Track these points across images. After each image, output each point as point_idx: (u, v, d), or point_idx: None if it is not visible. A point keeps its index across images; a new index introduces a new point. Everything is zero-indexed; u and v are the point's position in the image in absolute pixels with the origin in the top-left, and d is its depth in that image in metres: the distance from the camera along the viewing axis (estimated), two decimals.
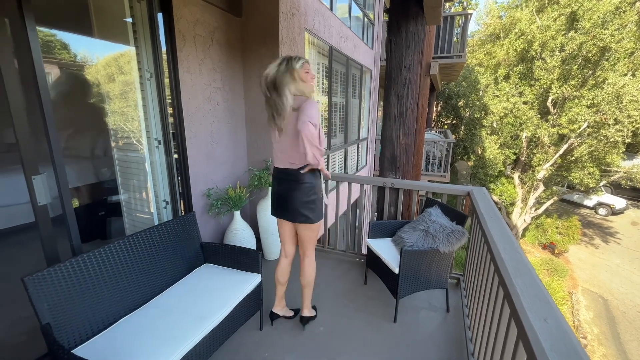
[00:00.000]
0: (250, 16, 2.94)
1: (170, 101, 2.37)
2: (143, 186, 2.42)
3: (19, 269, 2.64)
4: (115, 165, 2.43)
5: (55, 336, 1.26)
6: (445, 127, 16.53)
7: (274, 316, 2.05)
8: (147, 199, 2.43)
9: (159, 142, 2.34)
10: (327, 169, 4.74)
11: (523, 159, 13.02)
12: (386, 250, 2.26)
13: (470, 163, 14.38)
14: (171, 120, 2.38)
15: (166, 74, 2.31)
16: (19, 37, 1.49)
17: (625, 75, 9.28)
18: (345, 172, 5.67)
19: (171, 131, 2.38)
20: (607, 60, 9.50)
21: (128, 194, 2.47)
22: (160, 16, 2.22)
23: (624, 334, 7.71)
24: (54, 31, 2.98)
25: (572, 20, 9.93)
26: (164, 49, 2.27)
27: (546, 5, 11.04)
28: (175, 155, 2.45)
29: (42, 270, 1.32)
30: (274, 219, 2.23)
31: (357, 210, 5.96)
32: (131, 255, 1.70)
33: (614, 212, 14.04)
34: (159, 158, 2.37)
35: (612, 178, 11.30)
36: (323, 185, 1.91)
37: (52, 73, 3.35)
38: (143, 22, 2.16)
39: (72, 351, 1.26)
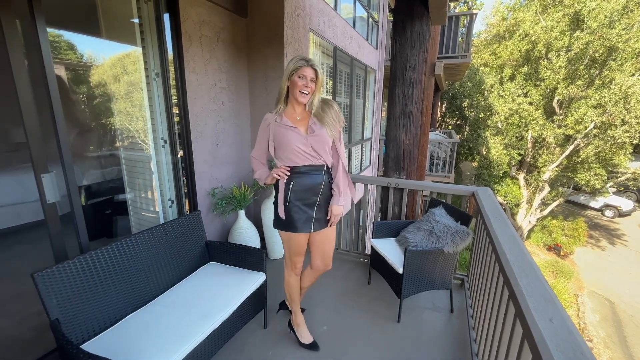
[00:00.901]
0: (256, 16, 2.95)
1: (176, 101, 2.39)
2: (149, 185, 2.45)
3: (28, 266, 2.68)
4: (122, 165, 2.46)
5: (64, 332, 1.28)
6: (450, 127, 16.45)
7: (282, 306, 2.05)
8: (152, 198, 2.46)
9: (165, 142, 2.37)
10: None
11: (528, 159, 12.92)
12: (390, 250, 2.26)
13: (475, 164, 14.30)
14: (177, 119, 2.41)
15: (172, 74, 2.33)
16: (29, 37, 1.52)
17: (633, 75, 9.16)
18: (348, 172, 5.66)
19: (177, 131, 2.40)
20: (614, 60, 9.38)
21: (134, 193, 2.50)
22: (166, 17, 2.24)
23: (630, 338, 7.62)
24: (63, 32, 3.02)
25: (577, 21, 9.83)
26: (170, 50, 2.29)
27: (549, 5, 10.94)
28: (181, 153, 2.47)
29: (50, 266, 1.34)
30: None
31: (361, 210, 5.96)
32: (137, 253, 1.72)
33: (621, 214, 13.86)
34: (165, 157, 2.39)
35: (619, 179, 11.17)
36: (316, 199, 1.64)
37: (61, 73, 3.41)
38: (150, 22, 2.18)
39: (80, 347, 1.28)
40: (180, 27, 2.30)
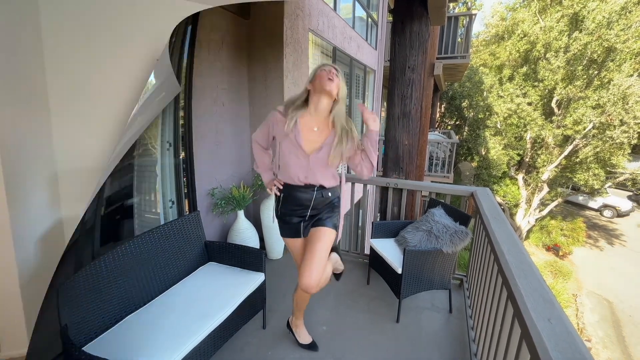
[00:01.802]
0: (257, 17, 2.96)
1: (182, 104, 2.37)
2: (153, 188, 2.43)
3: None
4: (134, 172, 2.42)
5: (69, 336, 1.27)
6: (449, 127, 16.46)
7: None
8: (155, 200, 2.45)
9: (170, 145, 2.36)
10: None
11: (527, 160, 12.93)
12: (389, 251, 2.27)
13: (474, 164, 14.32)
14: (181, 122, 2.39)
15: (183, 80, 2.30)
16: None
17: (632, 75, 9.19)
18: (348, 172, 5.67)
19: (181, 133, 2.39)
20: (612, 60, 9.41)
21: (140, 197, 2.48)
22: (189, 29, 2.21)
23: (629, 338, 7.64)
24: None
25: (576, 21, 9.86)
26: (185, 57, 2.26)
27: (549, 6, 10.97)
28: (182, 155, 2.46)
29: (72, 276, 1.35)
30: None
31: (360, 210, 5.95)
32: (138, 255, 1.71)
33: (620, 214, 13.90)
34: (169, 160, 2.38)
35: (617, 180, 11.20)
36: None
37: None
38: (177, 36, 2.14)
39: (82, 349, 1.28)
40: (196, 35, 2.29)
